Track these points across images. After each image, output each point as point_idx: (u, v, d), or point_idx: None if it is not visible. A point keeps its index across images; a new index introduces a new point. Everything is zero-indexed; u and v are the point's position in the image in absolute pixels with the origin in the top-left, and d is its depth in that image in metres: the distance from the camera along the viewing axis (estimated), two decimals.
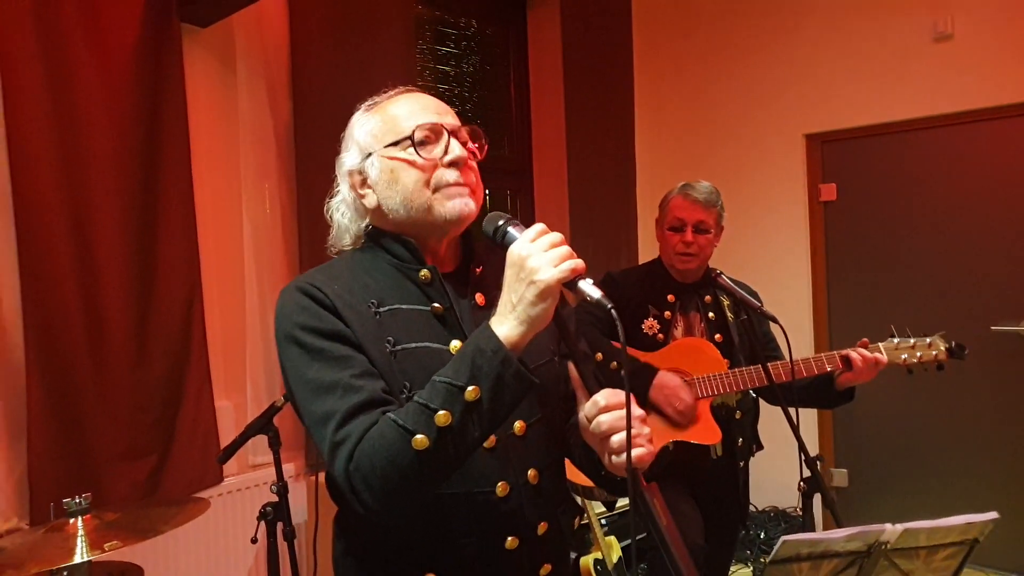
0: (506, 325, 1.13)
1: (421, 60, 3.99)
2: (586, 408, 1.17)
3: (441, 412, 1.10)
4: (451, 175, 1.28)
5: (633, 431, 1.08)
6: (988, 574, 3.85)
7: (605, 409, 1.14)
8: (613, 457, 1.15)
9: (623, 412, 1.09)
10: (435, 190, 1.28)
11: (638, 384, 2.39)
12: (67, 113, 2.56)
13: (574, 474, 1.44)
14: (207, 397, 2.92)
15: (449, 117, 1.33)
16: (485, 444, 1.24)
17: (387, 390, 1.20)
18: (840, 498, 4.34)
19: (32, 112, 2.47)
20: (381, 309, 1.27)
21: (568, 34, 4.38)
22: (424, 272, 1.30)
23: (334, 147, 3.34)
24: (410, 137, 1.28)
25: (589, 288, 1.10)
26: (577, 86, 4.37)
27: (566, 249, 1.13)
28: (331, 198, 1.43)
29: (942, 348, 2.37)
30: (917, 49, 4.03)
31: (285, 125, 3.23)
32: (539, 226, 1.16)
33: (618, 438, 1.12)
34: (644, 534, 2.62)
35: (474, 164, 1.33)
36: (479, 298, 1.31)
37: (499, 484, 1.26)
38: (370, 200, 1.34)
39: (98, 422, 2.62)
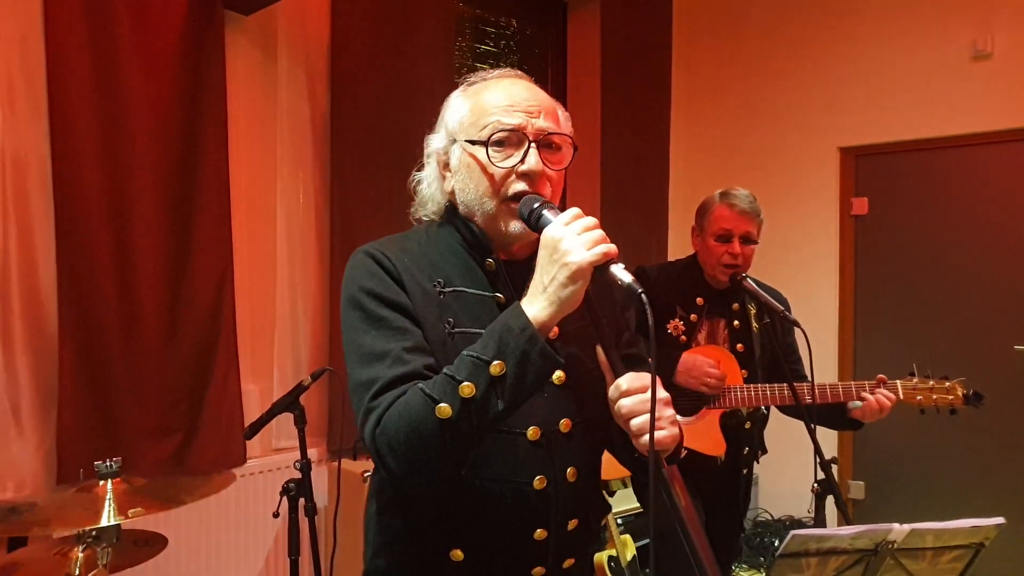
0: (536, 305, 1.14)
1: (460, 58, 4.04)
2: (610, 392, 1.18)
3: (465, 384, 1.11)
4: (518, 186, 1.26)
5: (655, 414, 1.08)
6: None
7: (626, 393, 1.15)
8: (635, 441, 1.16)
9: (645, 396, 1.11)
10: (503, 200, 1.27)
11: (661, 372, 2.39)
12: (110, 95, 2.63)
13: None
14: (234, 379, 2.98)
15: (540, 118, 1.27)
16: (530, 437, 1.26)
17: (433, 367, 1.21)
18: (857, 510, 4.33)
19: (76, 93, 2.55)
20: (446, 289, 1.28)
21: (608, 39, 4.42)
22: (489, 261, 1.31)
23: (369, 138, 3.42)
24: (486, 142, 1.26)
25: (621, 273, 1.11)
26: (614, 91, 4.40)
27: (599, 233, 1.14)
28: (418, 170, 1.43)
29: (959, 394, 2.38)
30: (955, 67, 4.01)
31: (322, 115, 3.29)
32: (574, 210, 1.17)
33: (637, 421, 1.14)
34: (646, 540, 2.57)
35: (552, 173, 1.28)
36: None
37: (538, 478, 1.26)
38: (448, 184, 1.35)
39: (127, 397, 2.69)
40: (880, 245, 4.37)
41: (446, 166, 1.35)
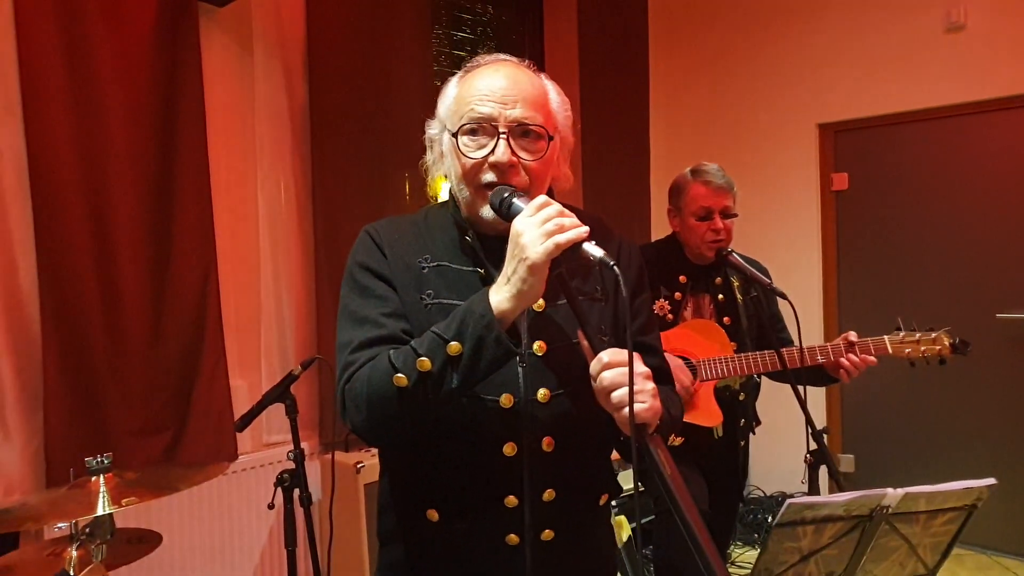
0: (500, 295, 1.19)
1: (437, 45, 4.02)
2: (592, 366, 1.19)
3: (424, 358, 1.19)
4: (489, 176, 1.29)
5: (636, 387, 1.10)
6: (990, 556, 3.91)
7: (608, 366, 1.16)
8: (616, 414, 1.16)
9: (626, 369, 1.11)
10: (476, 188, 1.31)
11: None
12: (84, 90, 2.59)
13: None
14: (222, 375, 2.95)
15: (516, 108, 1.28)
16: (503, 404, 1.28)
17: (408, 331, 1.30)
18: (847, 483, 4.37)
19: (50, 89, 2.51)
20: (430, 264, 1.35)
21: (584, 22, 4.41)
22: (467, 237, 1.36)
23: (349, 128, 3.40)
24: (457, 132, 1.31)
25: (592, 248, 1.14)
26: (592, 74, 4.40)
27: (556, 223, 1.15)
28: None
29: (946, 343, 2.41)
30: (930, 39, 4.03)
31: (301, 106, 3.26)
32: (540, 199, 1.19)
33: (618, 393, 1.14)
34: (652, 516, 2.57)
35: (530, 163, 1.29)
36: None
37: (507, 444, 1.29)
38: (439, 168, 1.41)
39: (113, 397, 2.66)
40: (861, 219, 4.40)
41: (442, 152, 1.39)
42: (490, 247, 1.34)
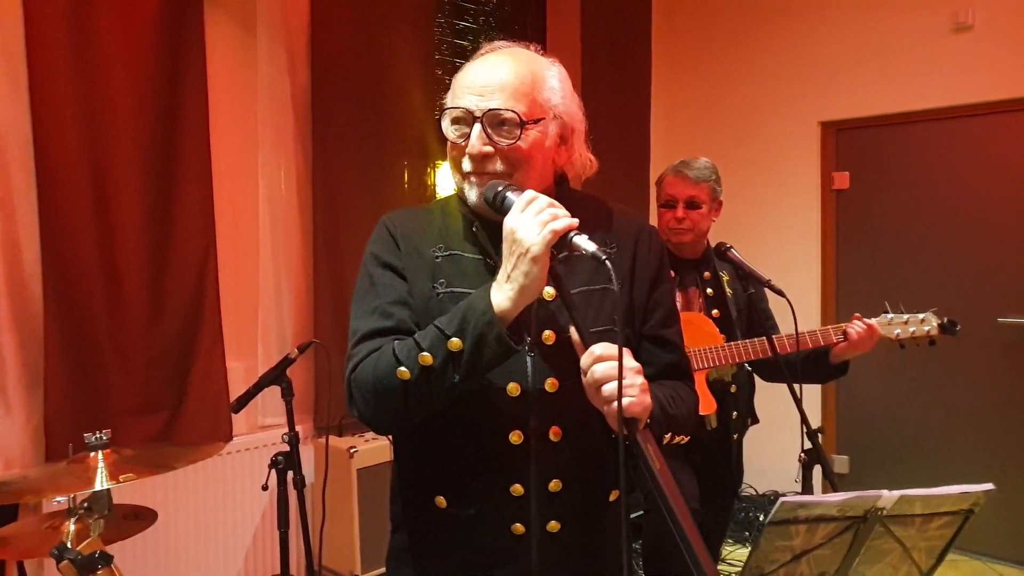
0: (502, 293, 1.20)
1: (439, 34, 4.00)
2: (583, 360, 1.19)
3: (425, 353, 1.21)
4: (467, 164, 1.32)
5: (625, 381, 1.11)
6: (985, 563, 3.91)
7: (599, 359, 1.16)
8: (606, 408, 1.16)
9: (616, 363, 1.11)
10: (462, 174, 1.35)
11: None
12: (89, 71, 2.61)
13: None
14: (219, 356, 2.98)
15: (493, 99, 1.29)
16: (510, 392, 1.29)
17: (416, 320, 1.32)
18: (841, 485, 4.37)
19: (55, 70, 2.52)
20: (442, 253, 1.37)
21: (587, 15, 4.39)
22: (473, 228, 1.37)
23: (351, 114, 3.39)
24: (444, 116, 1.35)
25: (584, 243, 1.15)
26: (595, 67, 4.38)
27: (549, 212, 1.18)
28: None
29: (934, 324, 2.42)
30: (936, 40, 4.01)
31: (303, 91, 3.26)
32: (528, 194, 1.22)
33: (609, 387, 1.14)
34: (641, 512, 2.56)
35: (507, 149, 1.30)
36: None
37: (513, 432, 1.29)
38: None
39: (113, 375, 2.70)
40: (862, 219, 4.39)
41: None
42: (495, 234, 1.33)
